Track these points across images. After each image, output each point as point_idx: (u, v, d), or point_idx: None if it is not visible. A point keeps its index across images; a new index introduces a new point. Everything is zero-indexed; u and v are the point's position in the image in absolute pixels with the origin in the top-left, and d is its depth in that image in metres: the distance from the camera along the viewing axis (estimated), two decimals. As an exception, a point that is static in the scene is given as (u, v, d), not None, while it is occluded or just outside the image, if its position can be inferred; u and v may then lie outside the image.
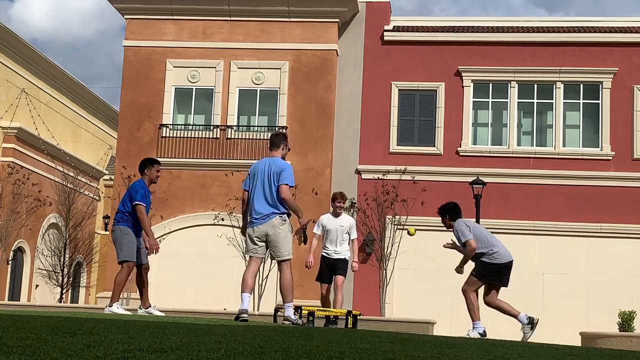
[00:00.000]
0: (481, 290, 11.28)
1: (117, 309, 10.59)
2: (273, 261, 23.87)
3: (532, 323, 10.81)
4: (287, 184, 9.40)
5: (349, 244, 12.10)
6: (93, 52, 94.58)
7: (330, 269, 11.93)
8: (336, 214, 12.10)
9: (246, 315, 9.18)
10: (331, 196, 12.76)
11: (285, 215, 9.46)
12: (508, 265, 11.12)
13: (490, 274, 11.04)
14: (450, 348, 5.88)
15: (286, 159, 10.06)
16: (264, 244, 9.56)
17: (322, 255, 12.02)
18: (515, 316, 10.97)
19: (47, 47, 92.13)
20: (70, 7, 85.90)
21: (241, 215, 10.05)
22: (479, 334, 10.86)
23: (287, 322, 9.43)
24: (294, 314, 9.59)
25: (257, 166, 9.73)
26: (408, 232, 11.64)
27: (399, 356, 4.64)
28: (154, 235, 10.82)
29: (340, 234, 11.93)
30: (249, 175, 9.78)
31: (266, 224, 9.48)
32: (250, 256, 9.73)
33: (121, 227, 10.74)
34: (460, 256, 11.15)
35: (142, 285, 10.90)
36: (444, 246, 11.35)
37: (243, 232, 9.87)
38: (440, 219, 11.48)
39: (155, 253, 10.70)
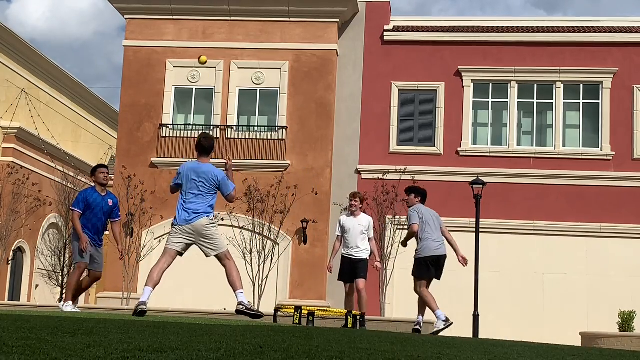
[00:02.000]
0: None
1: (66, 307, 10.98)
2: (272, 262, 23.73)
3: (447, 321, 11.03)
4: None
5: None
6: (91, 53, 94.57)
7: (352, 268, 11.84)
8: (353, 214, 12.10)
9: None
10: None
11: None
12: (435, 259, 11.29)
13: (418, 269, 11.47)
14: (450, 348, 5.88)
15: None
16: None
17: (343, 256, 11.93)
18: (433, 310, 11.16)
19: (44, 47, 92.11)
20: (67, 8, 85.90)
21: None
22: (442, 320, 10.97)
23: (241, 307, 9.39)
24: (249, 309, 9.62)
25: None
26: (199, 60, 11.53)
27: (399, 356, 4.64)
28: (86, 239, 11.01)
29: (359, 233, 11.89)
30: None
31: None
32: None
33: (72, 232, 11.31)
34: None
35: (80, 285, 11.22)
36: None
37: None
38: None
39: (84, 256, 10.82)
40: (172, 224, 9.76)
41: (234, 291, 9.40)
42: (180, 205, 9.53)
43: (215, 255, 9.51)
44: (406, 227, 12.04)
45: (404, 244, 11.83)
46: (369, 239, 12.02)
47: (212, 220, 9.44)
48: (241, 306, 9.33)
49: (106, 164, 37.33)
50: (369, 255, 12.06)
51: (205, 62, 11.22)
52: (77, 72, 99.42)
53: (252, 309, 9.43)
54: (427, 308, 11.42)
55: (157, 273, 9.36)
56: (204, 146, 9.72)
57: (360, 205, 12.14)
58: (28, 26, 78.36)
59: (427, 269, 11.36)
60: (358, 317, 11.32)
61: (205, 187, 9.61)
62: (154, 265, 9.70)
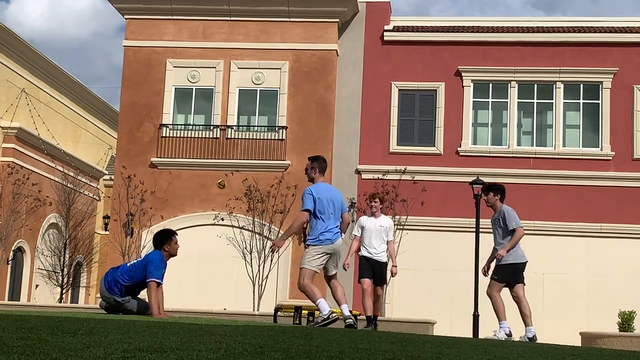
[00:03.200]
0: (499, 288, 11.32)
1: None
2: (273, 262, 23.71)
3: (509, 336, 10.81)
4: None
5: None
6: (89, 53, 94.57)
7: (373, 269, 11.71)
8: (373, 214, 12.02)
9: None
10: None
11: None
12: (522, 266, 11.23)
13: (507, 275, 11.09)
14: (450, 348, 5.88)
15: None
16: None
17: (363, 255, 11.75)
18: (526, 325, 10.94)
19: (42, 48, 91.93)
20: (66, 8, 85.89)
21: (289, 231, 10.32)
22: (505, 334, 10.79)
23: (349, 321, 9.60)
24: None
25: (324, 191, 10.17)
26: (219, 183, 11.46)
27: (399, 356, 4.64)
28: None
29: (379, 234, 11.75)
30: (316, 198, 10.08)
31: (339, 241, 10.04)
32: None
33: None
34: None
35: None
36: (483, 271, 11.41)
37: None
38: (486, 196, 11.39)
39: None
40: (310, 245, 9.94)
41: (339, 305, 9.80)
42: (322, 227, 9.96)
43: (331, 275, 9.92)
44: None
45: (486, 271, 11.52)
46: (388, 241, 11.89)
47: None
48: (350, 320, 9.61)
49: (107, 164, 37.36)
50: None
51: (224, 185, 11.18)
52: (75, 72, 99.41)
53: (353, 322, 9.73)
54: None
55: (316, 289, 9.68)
56: (325, 167, 10.36)
57: (381, 206, 12.04)
58: (26, 26, 78.39)
59: (518, 273, 11.29)
60: (373, 320, 11.22)
61: (336, 208, 10.16)
62: (307, 283, 9.76)
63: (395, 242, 23.11)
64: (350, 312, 10.99)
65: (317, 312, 10.92)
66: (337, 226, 10.07)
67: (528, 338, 10.81)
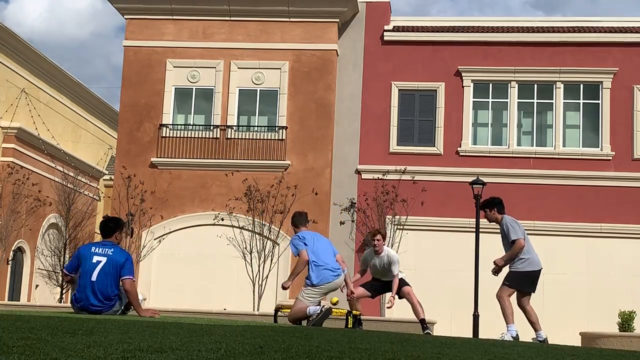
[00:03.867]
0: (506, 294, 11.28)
1: None
2: (272, 262, 23.68)
3: (516, 339, 10.78)
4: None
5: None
6: (88, 53, 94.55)
7: (381, 289, 12.06)
8: (377, 253, 12.06)
9: None
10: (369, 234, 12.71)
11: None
12: (537, 274, 11.14)
13: (520, 283, 11.01)
14: (450, 348, 5.88)
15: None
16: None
17: (376, 279, 12.13)
18: (536, 330, 10.89)
19: (41, 48, 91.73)
20: (64, 8, 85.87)
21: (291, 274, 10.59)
22: (512, 337, 10.76)
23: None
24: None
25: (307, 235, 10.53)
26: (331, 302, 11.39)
27: (399, 356, 4.64)
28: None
29: (385, 269, 11.95)
30: (299, 239, 10.43)
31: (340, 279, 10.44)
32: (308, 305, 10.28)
33: None
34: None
35: None
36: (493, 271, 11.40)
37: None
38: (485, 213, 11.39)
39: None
40: (310, 285, 10.26)
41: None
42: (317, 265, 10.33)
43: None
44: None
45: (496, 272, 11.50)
46: (394, 275, 11.98)
47: None
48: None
49: (107, 164, 37.33)
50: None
51: (337, 302, 11.18)
52: (74, 72, 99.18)
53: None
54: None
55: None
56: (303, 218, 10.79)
57: (383, 243, 12.12)
58: (25, 26, 78.37)
59: (532, 282, 11.25)
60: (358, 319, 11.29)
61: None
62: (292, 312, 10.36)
63: (396, 242, 23.25)
64: (350, 311, 11.00)
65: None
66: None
67: (539, 341, 10.79)
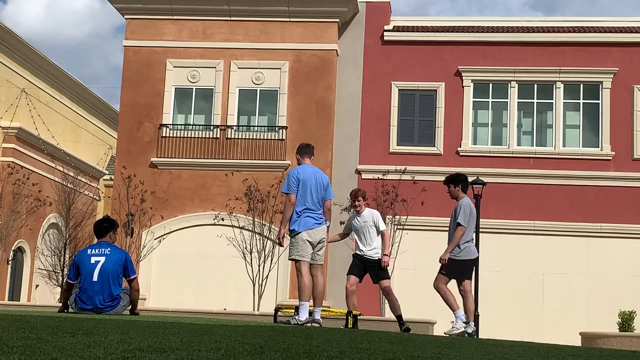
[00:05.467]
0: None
1: None
2: (272, 262, 23.67)
3: (467, 324, 10.72)
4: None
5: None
6: (86, 54, 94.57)
7: (364, 267, 11.49)
8: (358, 213, 11.75)
9: None
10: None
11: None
12: (475, 262, 11.13)
13: (460, 271, 10.90)
14: (450, 348, 5.88)
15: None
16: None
17: (356, 254, 11.58)
18: (453, 310, 10.86)
19: (39, 48, 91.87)
20: (63, 9, 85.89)
21: (283, 220, 9.91)
22: (463, 322, 10.71)
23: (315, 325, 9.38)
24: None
25: (303, 173, 9.89)
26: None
27: (399, 356, 4.64)
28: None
29: (367, 230, 11.47)
30: (294, 179, 9.81)
31: (320, 228, 9.86)
32: (306, 262, 9.78)
33: None
34: None
35: None
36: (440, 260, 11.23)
37: (282, 239, 9.85)
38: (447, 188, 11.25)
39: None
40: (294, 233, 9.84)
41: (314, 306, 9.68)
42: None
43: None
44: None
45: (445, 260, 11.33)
46: (381, 231, 11.55)
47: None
48: (317, 325, 9.41)
49: (107, 164, 37.32)
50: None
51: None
52: (72, 73, 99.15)
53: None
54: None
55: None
56: (308, 148, 10.33)
57: (364, 202, 11.82)
58: (23, 27, 78.42)
59: (470, 271, 11.22)
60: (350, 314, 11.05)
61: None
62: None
63: (396, 242, 23.22)
64: (350, 312, 10.98)
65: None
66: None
67: (468, 333, 10.70)
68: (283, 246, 10.35)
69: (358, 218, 11.60)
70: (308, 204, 9.79)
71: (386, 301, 11.98)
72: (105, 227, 9.87)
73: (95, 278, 9.45)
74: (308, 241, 9.74)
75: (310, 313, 9.61)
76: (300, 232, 9.75)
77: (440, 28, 26.59)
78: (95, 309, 9.38)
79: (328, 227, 10.09)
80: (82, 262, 9.57)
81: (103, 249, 9.63)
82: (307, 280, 9.68)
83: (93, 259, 9.53)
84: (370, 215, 11.62)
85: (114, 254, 9.59)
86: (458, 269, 10.94)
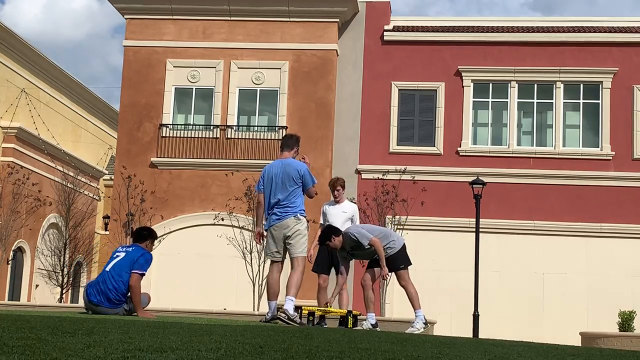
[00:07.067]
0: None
1: None
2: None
3: (374, 327, 10.75)
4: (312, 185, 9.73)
5: None
6: (84, 54, 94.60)
7: (331, 259, 11.24)
8: (337, 202, 11.73)
9: None
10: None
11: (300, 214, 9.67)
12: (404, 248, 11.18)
13: (405, 258, 11.11)
14: (450, 348, 5.88)
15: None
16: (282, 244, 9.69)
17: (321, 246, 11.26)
18: (369, 311, 10.97)
19: (38, 48, 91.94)
20: (61, 9, 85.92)
21: (256, 219, 9.97)
22: (371, 324, 10.79)
23: (283, 315, 9.34)
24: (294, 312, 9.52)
25: (270, 169, 9.77)
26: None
27: (399, 356, 4.64)
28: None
29: (343, 220, 11.32)
30: (261, 177, 9.81)
31: (282, 223, 9.64)
32: (272, 261, 9.78)
33: None
34: None
35: None
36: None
37: (260, 235, 9.83)
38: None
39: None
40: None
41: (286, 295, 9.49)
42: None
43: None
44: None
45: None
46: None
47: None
48: (283, 314, 9.30)
49: (107, 164, 37.32)
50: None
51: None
52: (71, 73, 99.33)
53: (293, 319, 9.31)
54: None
55: None
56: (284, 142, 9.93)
57: (343, 192, 11.79)
58: (21, 27, 78.47)
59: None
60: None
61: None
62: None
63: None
64: (350, 311, 10.96)
65: (317, 312, 10.87)
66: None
67: (371, 325, 10.78)
68: (262, 244, 10.42)
69: (336, 207, 11.58)
70: (275, 200, 9.70)
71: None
72: (144, 234, 10.17)
73: (108, 268, 9.76)
74: (272, 238, 9.72)
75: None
76: (265, 230, 9.82)
77: (440, 28, 26.59)
78: (95, 303, 9.58)
79: (308, 220, 9.97)
80: (110, 258, 9.92)
81: (129, 248, 9.94)
82: (269, 279, 9.83)
83: (116, 254, 9.88)
84: (351, 208, 11.66)
85: (134, 251, 9.80)
86: (403, 257, 11.09)
